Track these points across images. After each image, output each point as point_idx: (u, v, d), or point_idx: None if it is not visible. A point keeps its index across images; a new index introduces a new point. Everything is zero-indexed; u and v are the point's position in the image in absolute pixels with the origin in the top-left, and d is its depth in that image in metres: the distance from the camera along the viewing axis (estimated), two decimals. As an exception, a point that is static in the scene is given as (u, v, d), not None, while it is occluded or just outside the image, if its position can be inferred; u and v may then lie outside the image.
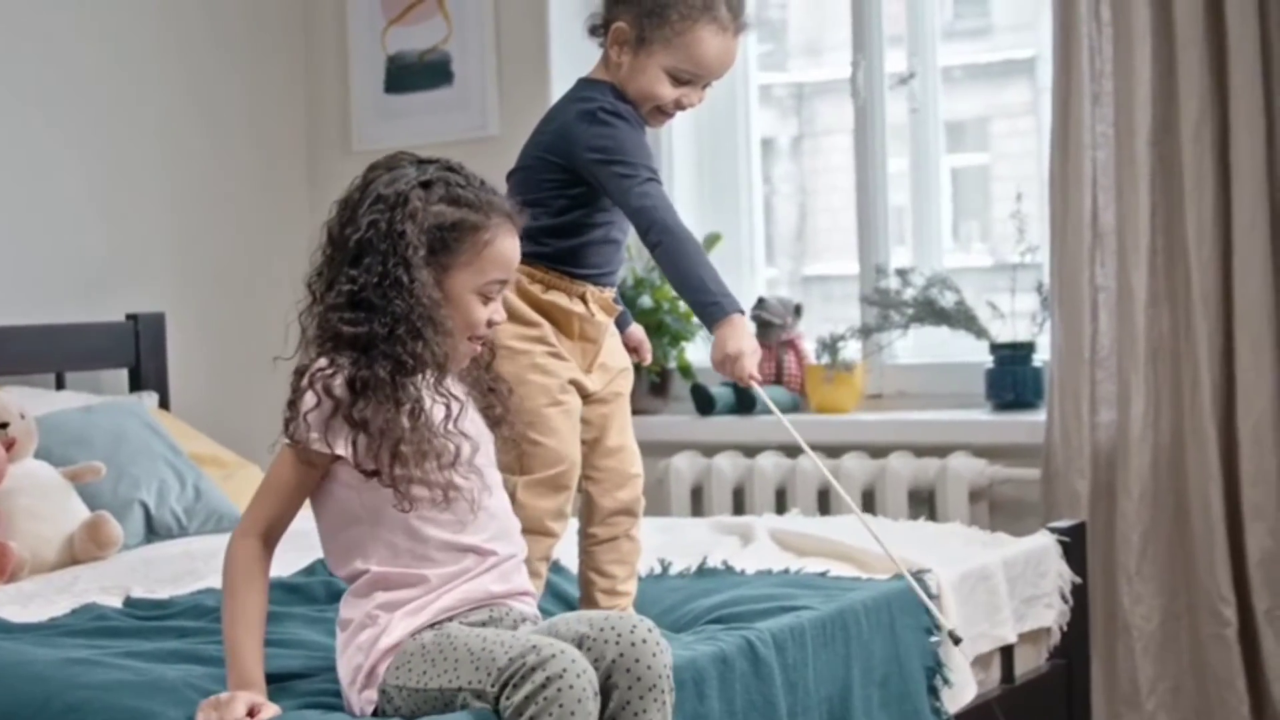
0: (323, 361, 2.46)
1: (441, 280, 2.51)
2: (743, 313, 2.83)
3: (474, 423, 2.58)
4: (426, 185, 2.52)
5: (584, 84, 3.02)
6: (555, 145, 2.95)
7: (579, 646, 2.36)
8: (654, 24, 2.92)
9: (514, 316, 2.91)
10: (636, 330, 3.26)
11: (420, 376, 2.47)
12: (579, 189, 2.94)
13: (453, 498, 2.48)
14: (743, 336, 2.79)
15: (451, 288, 2.52)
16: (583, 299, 2.96)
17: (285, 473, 2.49)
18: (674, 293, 4.89)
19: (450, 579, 2.49)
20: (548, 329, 2.94)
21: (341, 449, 2.44)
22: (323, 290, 2.52)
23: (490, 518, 2.54)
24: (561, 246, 2.94)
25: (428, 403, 2.48)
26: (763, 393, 2.96)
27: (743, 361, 2.78)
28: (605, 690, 2.35)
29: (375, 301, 2.46)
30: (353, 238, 2.49)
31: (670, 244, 2.83)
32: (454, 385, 2.58)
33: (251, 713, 2.33)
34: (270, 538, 2.50)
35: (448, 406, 2.50)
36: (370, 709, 2.44)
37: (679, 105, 2.99)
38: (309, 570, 3.31)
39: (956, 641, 3.06)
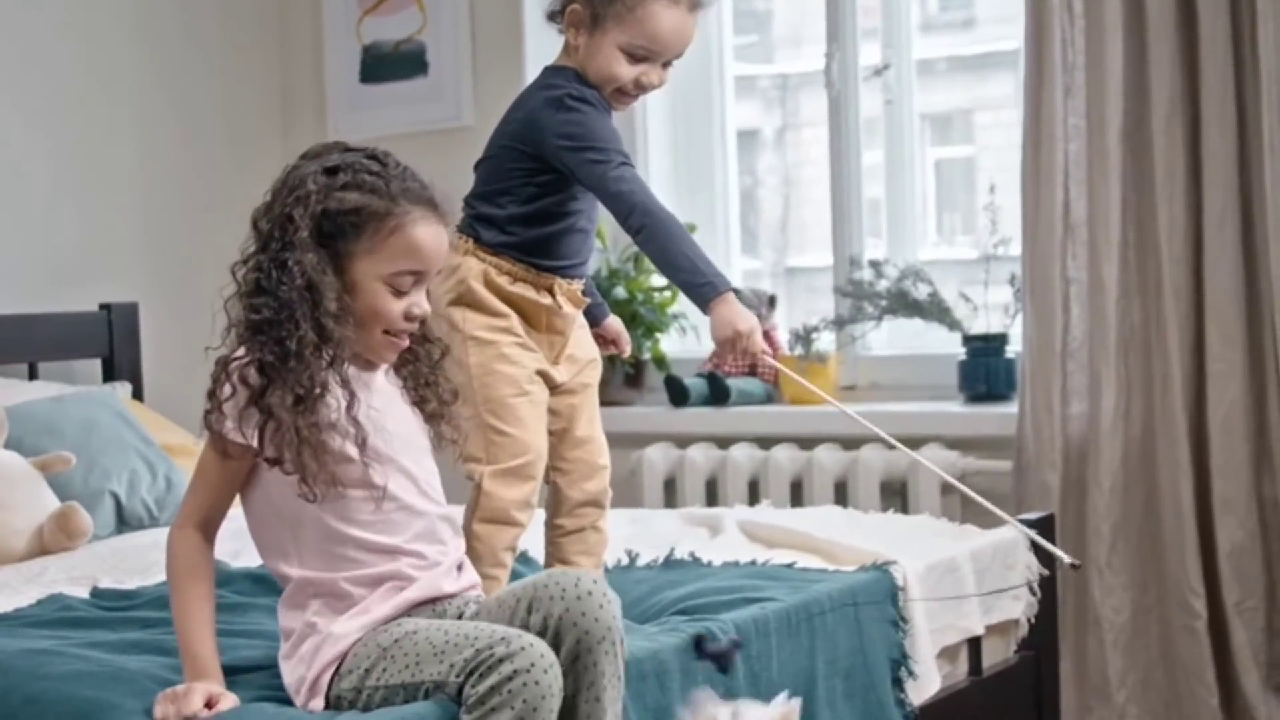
0: (241, 350, 2.44)
1: (345, 268, 2.46)
2: (735, 290, 2.83)
3: (385, 414, 2.52)
4: (332, 171, 2.47)
5: (549, 71, 3.02)
6: (523, 133, 2.95)
7: (528, 610, 2.36)
8: (606, 1, 2.93)
9: (481, 307, 2.92)
10: (614, 322, 3.25)
11: (310, 362, 2.41)
12: (547, 176, 2.93)
13: (340, 493, 2.44)
14: (747, 313, 2.80)
15: (354, 276, 2.46)
16: (550, 291, 2.96)
17: (210, 464, 2.49)
18: (648, 284, 4.95)
19: (379, 583, 2.46)
20: (515, 320, 2.94)
21: (254, 438, 2.41)
22: (243, 277, 2.49)
23: (412, 517, 2.50)
24: (529, 236, 2.94)
25: (336, 391, 2.44)
26: (780, 365, 2.97)
27: (755, 337, 2.80)
28: (554, 647, 2.31)
29: (266, 286, 2.43)
30: (264, 224, 2.47)
31: (653, 226, 2.82)
32: (377, 377, 2.55)
33: (209, 704, 2.32)
34: (208, 528, 2.49)
35: (349, 396, 2.46)
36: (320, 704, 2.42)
37: (639, 85, 2.98)
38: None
39: (1076, 568, 3.15)
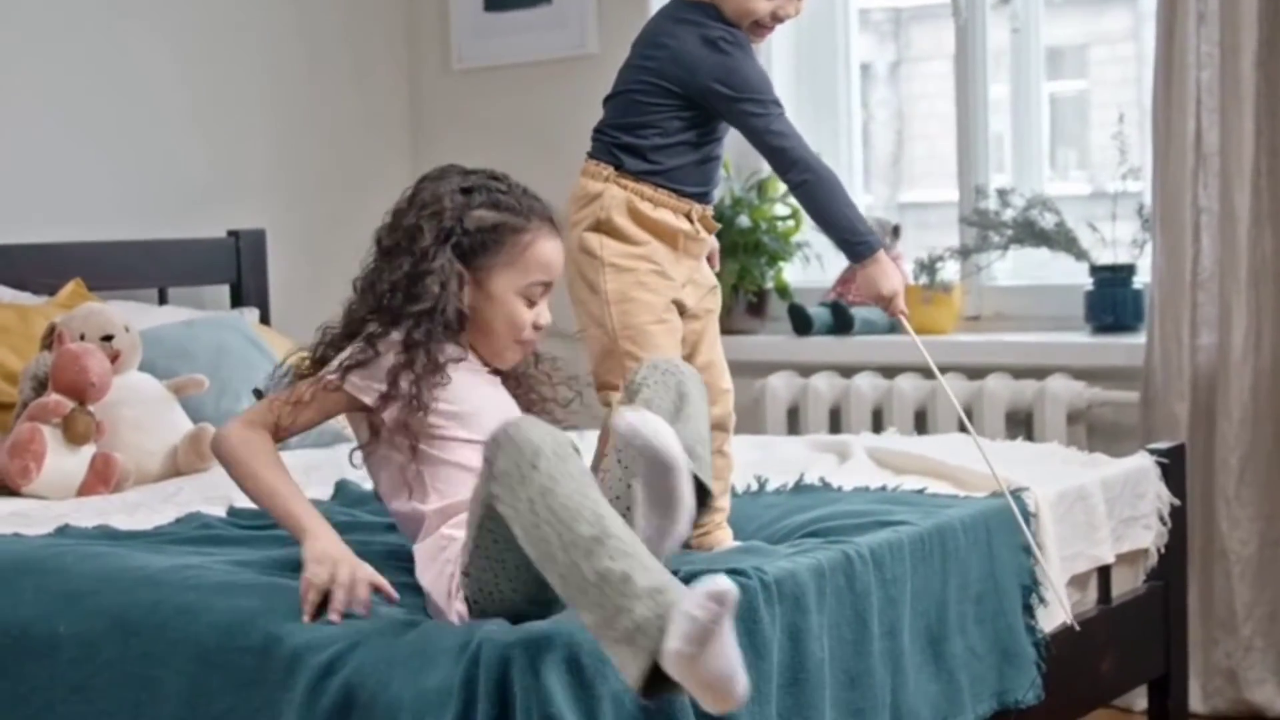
0: (395, 334, 2.63)
1: (485, 282, 2.69)
2: (885, 247, 2.98)
3: (489, 400, 2.72)
4: (467, 191, 2.69)
5: (684, 5, 2.99)
6: (669, 71, 2.93)
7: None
8: None
9: (620, 235, 2.93)
10: (710, 240, 3.26)
11: (438, 345, 2.62)
12: (693, 112, 2.94)
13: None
14: (894, 274, 2.97)
15: (495, 288, 2.69)
16: (688, 216, 2.97)
17: (309, 394, 2.66)
18: (771, 212, 4.95)
19: None
20: (654, 247, 2.95)
21: (374, 398, 2.61)
22: (364, 288, 2.70)
23: None
24: (672, 164, 2.95)
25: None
26: (910, 327, 3.05)
27: (898, 301, 2.97)
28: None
29: (413, 286, 2.63)
30: (391, 238, 2.69)
31: (814, 183, 2.93)
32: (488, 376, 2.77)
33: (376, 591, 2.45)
34: (275, 434, 2.68)
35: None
36: (464, 608, 2.47)
37: (776, 17, 2.99)
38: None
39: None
